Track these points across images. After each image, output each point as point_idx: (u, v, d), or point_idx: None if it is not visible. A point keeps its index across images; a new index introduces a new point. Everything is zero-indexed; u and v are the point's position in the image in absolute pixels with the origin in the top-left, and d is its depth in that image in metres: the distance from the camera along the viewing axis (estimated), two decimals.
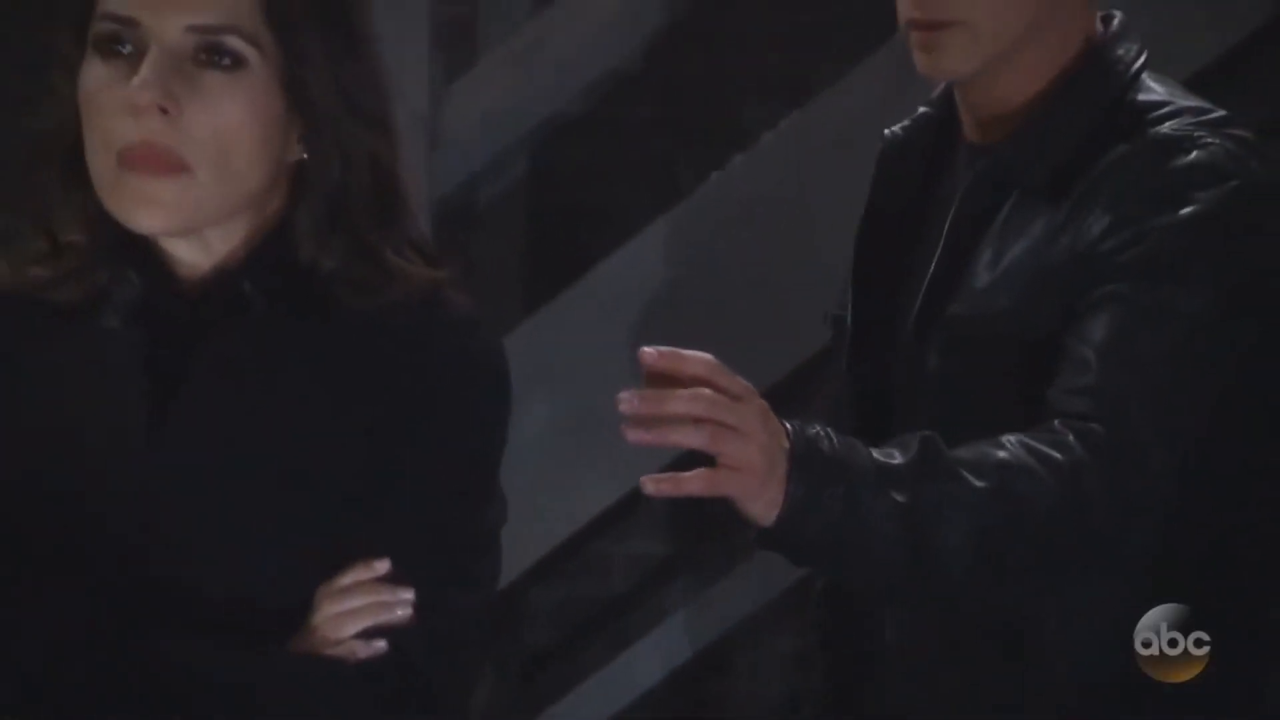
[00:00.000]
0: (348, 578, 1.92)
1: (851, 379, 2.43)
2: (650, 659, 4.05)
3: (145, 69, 1.90)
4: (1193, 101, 2.36)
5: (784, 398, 2.67)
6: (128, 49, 1.92)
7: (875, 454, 2.13)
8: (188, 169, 1.92)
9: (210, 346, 1.97)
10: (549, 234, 4.43)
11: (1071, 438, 2.20)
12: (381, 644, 1.91)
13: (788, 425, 2.08)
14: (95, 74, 1.93)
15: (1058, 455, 2.18)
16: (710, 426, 1.99)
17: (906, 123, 2.46)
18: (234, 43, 1.92)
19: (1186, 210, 2.27)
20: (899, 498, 2.11)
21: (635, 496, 3.79)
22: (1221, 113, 2.34)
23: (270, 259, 1.97)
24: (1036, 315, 2.28)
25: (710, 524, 4.29)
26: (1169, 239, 2.26)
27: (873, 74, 3.56)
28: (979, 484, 2.14)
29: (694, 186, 4.08)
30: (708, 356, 2.04)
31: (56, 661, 1.92)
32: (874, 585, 2.25)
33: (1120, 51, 2.37)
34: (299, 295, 1.98)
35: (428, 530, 1.97)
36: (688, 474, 2.01)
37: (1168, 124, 2.33)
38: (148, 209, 1.93)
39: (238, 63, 1.92)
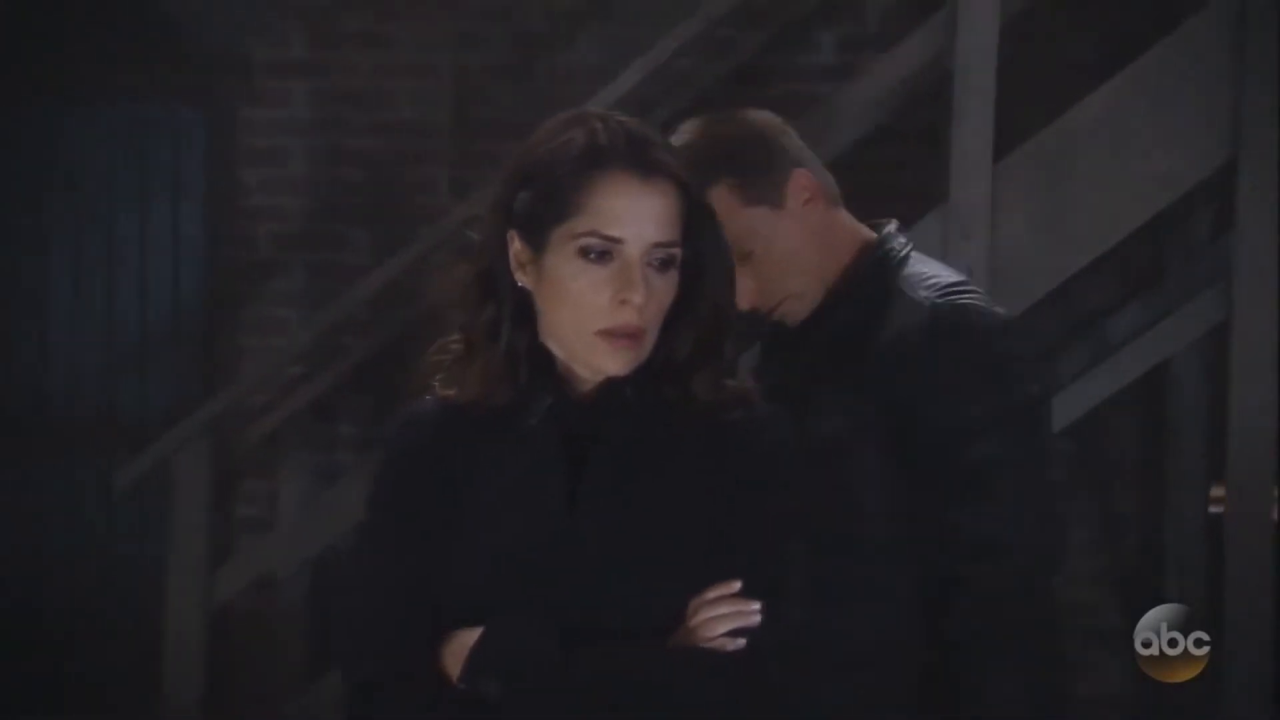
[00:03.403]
0: (714, 593, 2.21)
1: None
2: None
3: (637, 278, 2.23)
4: (946, 272, 2.71)
5: None
6: (607, 256, 2.25)
7: None
8: (644, 335, 2.27)
9: (606, 438, 2.28)
10: None
11: (982, 589, 2.56)
12: (741, 641, 2.20)
13: None
14: (582, 274, 2.24)
15: (981, 613, 2.56)
16: None
17: (771, 324, 2.84)
18: (676, 251, 2.28)
19: (974, 367, 2.59)
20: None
21: None
22: (963, 276, 2.71)
23: (646, 370, 2.30)
24: (868, 409, 2.64)
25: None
26: (981, 402, 2.58)
27: None
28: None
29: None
30: None
31: (532, 669, 2.20)
32: None
33: (891, 245, 2.75)
34: (662, 398, 2.30)
35: (760, 561, 2.23)
36: None
37: (933, 291, 2.67)
38: (616, 363, 2.26)
39: (673, 263, 2.28)
